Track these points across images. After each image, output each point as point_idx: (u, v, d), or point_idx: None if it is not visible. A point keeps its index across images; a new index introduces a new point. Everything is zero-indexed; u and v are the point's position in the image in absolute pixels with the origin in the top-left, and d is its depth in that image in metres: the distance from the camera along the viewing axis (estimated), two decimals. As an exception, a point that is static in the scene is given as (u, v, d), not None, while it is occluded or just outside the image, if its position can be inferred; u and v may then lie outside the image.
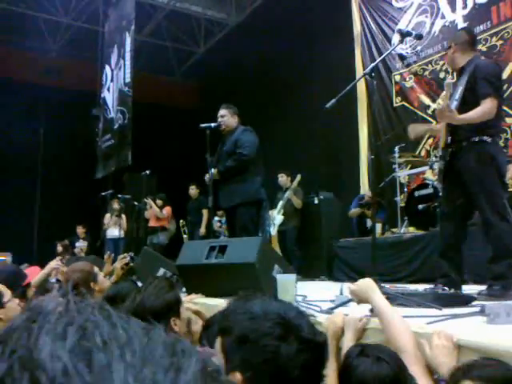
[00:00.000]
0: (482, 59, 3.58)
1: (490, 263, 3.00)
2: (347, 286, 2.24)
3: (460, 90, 3.11)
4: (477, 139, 3.08)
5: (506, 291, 2.87)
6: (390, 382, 1.31)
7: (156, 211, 8.60)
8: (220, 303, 2.77)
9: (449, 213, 3.25)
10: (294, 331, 1.02)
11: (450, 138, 3.18)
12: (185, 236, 8.87)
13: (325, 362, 1.09)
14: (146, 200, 8.55)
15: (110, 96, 11.34)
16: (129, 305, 1.81)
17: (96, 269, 2.84)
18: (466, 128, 3.07)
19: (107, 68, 11.56)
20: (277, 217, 7.00)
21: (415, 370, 1.49)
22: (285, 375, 0.99)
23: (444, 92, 3.14)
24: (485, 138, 3.09)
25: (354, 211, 7.10)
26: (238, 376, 1.00)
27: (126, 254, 4.17)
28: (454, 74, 3.66)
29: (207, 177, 4.60)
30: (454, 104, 3.10)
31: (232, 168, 4.50)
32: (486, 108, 3.02)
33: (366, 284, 2.06)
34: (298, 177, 7.03)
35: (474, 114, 3.03)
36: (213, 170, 4.53)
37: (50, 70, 11.95)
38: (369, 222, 6.69)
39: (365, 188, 7.80)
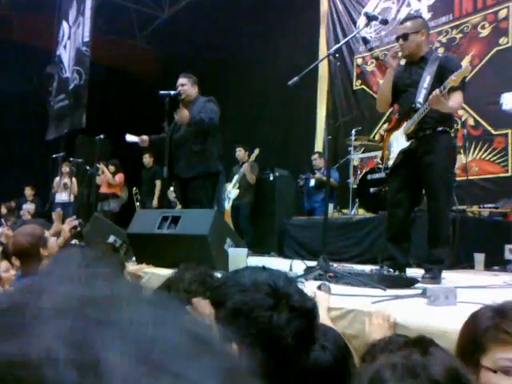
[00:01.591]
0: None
1: (431, 248, 3.14)
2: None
3: (428, 78, 3.10)
4: (441, 129, 3.13)
5: (441, 274, 3.05)
6: (330, 370, 1.29)
7: (108, 177, 8.41)
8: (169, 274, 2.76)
9: (400, 199, 3.29)
10: (284, 300, 1.06)
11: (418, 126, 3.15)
12: (137, 204, 8.74)
13: (315, 326, 1.12)
14: (98, 165, 8.31)
15: (66, 54, 10.88)
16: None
17: (46, 233, 2.76)
18: (433, 117, 3.08)
19: (64, 24, 11.04)
20: (232, 191, 7.00)
21: None
22: (278, 344, 1.02)
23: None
24: (447, 128, 3.17)
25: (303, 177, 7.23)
26: (233, 346, 1.03)
27: (75, 217, 4.08)
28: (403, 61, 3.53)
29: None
30: (423, 92, 3.09)
31: (202, 122, 4.31)
32: (460, 100, 3.07)
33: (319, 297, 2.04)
34: (256, 151, 7.01)
35: (455, 104, 3.05)
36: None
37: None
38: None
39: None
